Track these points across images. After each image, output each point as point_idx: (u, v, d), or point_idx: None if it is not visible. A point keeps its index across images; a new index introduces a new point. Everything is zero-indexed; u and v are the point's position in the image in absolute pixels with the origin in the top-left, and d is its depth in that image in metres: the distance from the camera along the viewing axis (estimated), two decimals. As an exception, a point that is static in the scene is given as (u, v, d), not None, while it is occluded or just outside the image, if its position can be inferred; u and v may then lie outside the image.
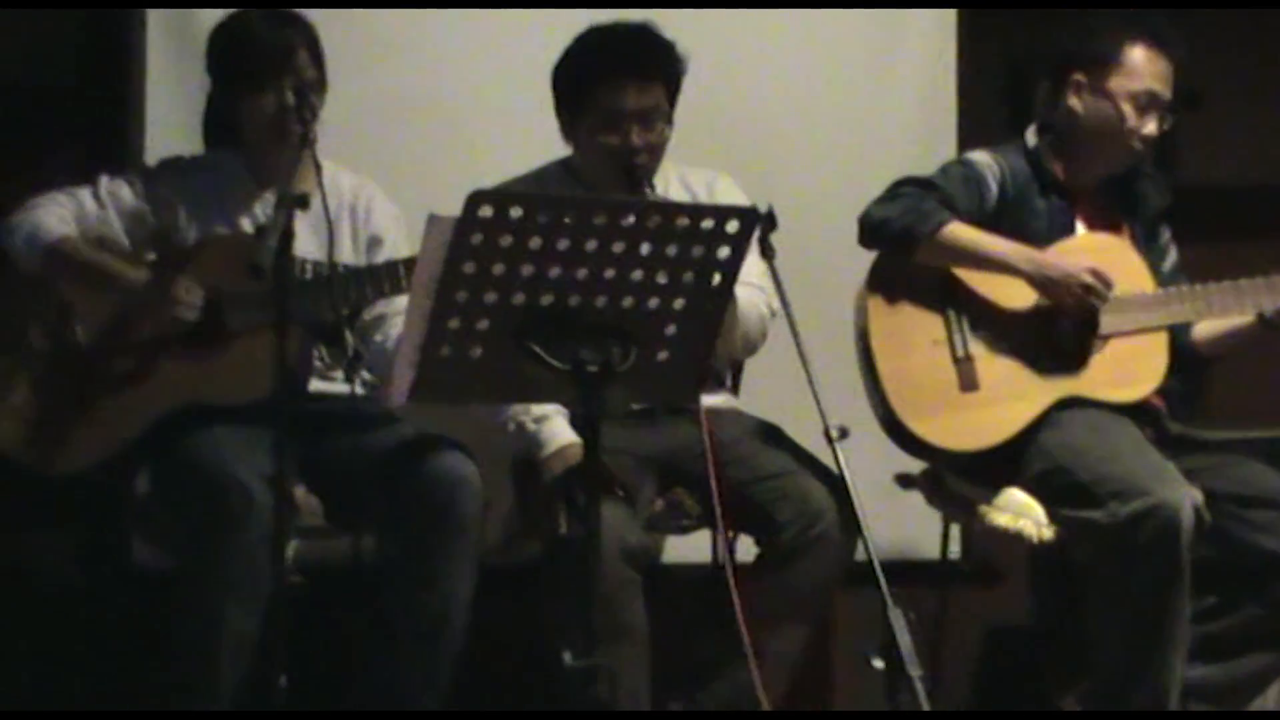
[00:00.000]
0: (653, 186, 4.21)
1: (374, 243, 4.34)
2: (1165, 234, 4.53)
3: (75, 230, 4.14)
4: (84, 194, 4.20)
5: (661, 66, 4.26)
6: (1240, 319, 4.35)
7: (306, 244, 4.10)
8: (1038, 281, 4.25)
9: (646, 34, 4.27)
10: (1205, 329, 4.43)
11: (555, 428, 4.17)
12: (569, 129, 4.31)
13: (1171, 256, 4.50)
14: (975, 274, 4.32)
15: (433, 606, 3.98)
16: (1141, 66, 4.31)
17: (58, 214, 4.14)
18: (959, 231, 4.25)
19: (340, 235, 4.27)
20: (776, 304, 4.03)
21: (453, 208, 3.14)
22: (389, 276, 4.07)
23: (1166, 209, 4.52)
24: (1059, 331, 4.30)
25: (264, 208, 4.23)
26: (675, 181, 4.38)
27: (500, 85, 5.09)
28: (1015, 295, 4.31)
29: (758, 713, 4.07)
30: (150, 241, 4.23)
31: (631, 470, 4.18)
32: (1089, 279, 4.21)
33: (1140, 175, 4.49)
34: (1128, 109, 4.31)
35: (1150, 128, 4.32)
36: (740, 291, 4.15)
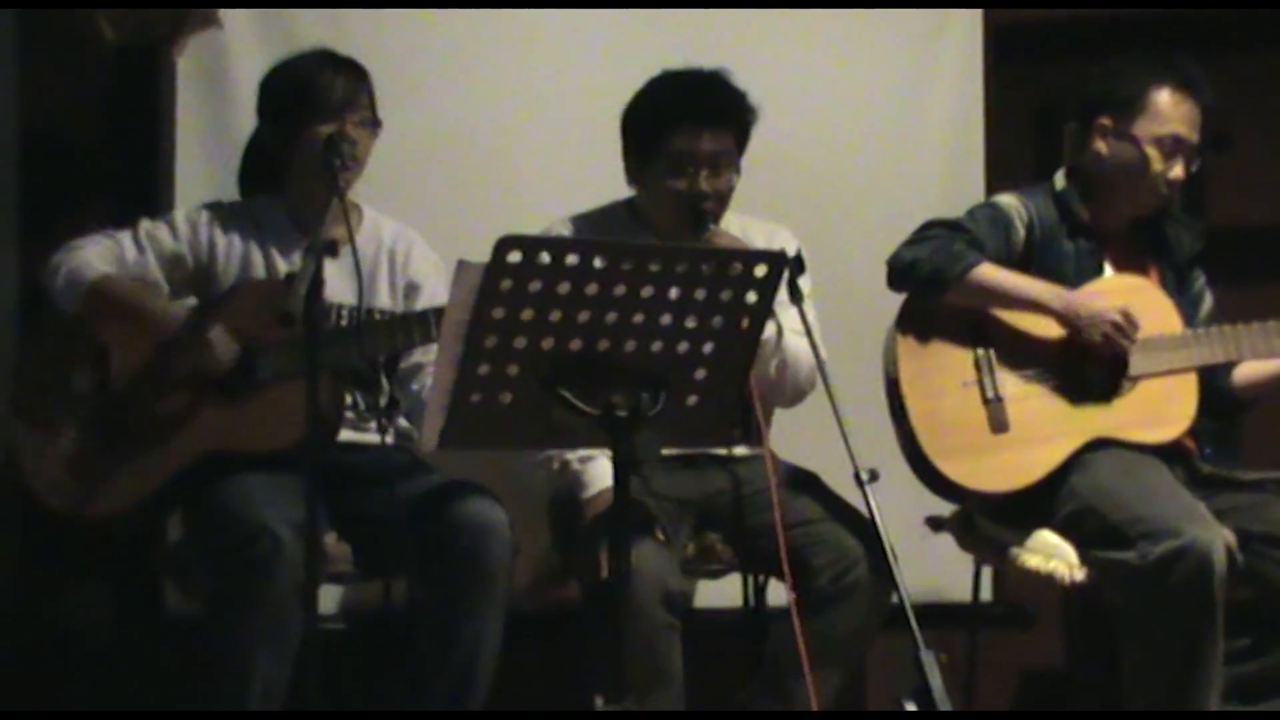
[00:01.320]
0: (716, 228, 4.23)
1: (412, 289, 4.35)
2: (1199, 280, 4.52)
3: (116, 269, 4.16)
4: (124, 237, 4.22)
5: (735, 114, 4.29)
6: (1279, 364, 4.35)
7: (340, 290, 4.11)
8: (1068, 320, 4.25)
9: (721, 81, 4.30)
10: (1244, 373, 4.42)
11: (599, 469, 4.15)
12: (636, 171, 4.33)
13: (1206, 303, 4.49)
14: (1005, 314, 4.32)
15: (459, 654, 3.97)
16: (1167, 110, 4.30)
17: (99, 253, 4.15)
18: (988, 272, 4.26)
19: (378, 281, 4.30)
20: (824, 353, 4.03)
21: (485, 251, 3.14)
22: (420, 325, 4.07)
23: (1198, 254, 4.51)
24: (1089, 372, 4.29)
25: (297, 257, 4.24)
26: (736, 229, 4.38)
27: (538, 126, 5.12)
28: (1045, 336, 4.31)
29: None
30: (188, 286, 4.24)
31: (671, 514, 4.17)
32: (1118, 319, 4.21)
33: (1171, 219, 4.48)
34: (1152, 152, 4.31)
35: (1176, 171, 4.32)
36: (795, 341, 4.16)
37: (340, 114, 4.17)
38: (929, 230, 4.34)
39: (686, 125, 4.22)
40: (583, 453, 4.18)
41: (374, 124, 4.24)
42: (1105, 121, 4.36)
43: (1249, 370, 4.42)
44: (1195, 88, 4.32)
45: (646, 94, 4.33)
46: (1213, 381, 4.37)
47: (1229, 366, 4.41)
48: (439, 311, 4.01)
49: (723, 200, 4.28)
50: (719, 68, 4.31)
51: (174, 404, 4.11)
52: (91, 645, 4.96)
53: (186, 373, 4.09)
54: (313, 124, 4.17)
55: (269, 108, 4.29)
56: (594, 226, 4.35)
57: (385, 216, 4.39)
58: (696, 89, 4.28)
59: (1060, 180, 4.46)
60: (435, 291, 4.32)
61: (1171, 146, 4.30)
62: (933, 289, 4.27)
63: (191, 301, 4.24)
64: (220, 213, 4.31)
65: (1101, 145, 4.37)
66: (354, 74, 4.25)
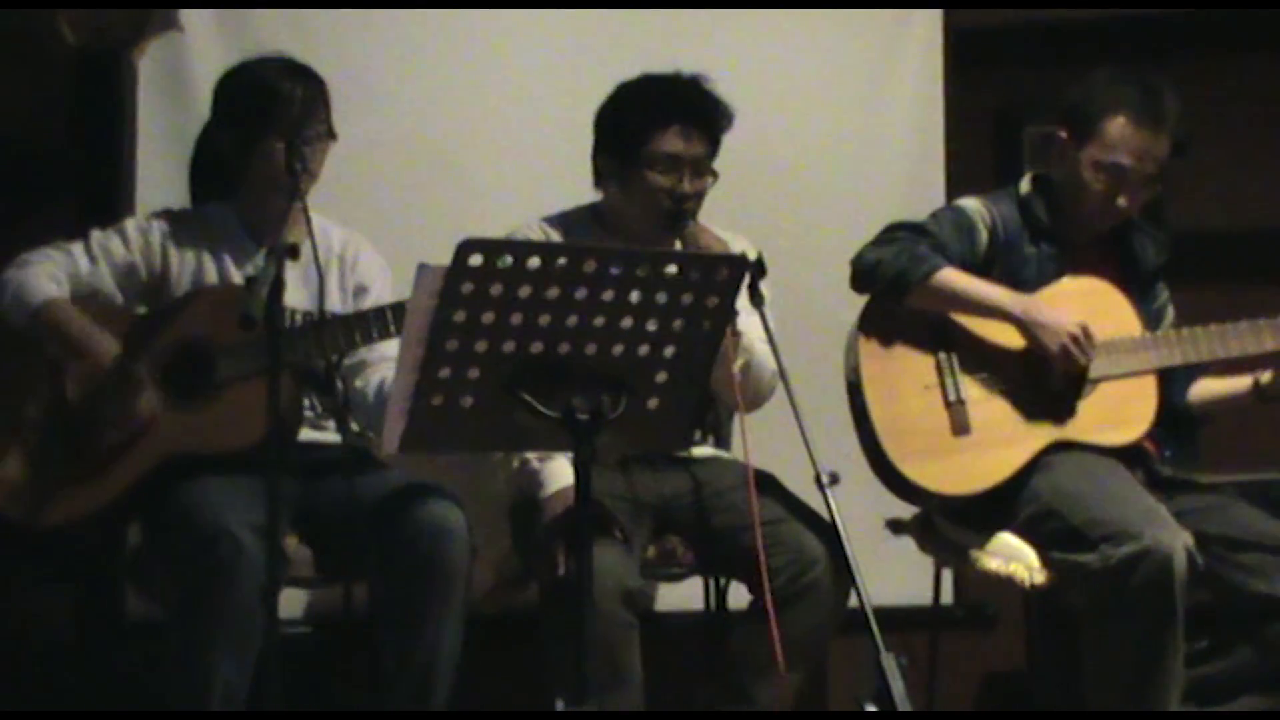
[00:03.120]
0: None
1: (360, 290, 4.36)
2: (1163, 293, 4.53)
3: (65, 290, 4.13)
4: (77, 249, 4.19)
5: (717, 120, 4.32)
6: (1235, 385, 4.39)
7: (296, 294, 4.11)
8: (1027, 328, 4.26)
9: (705, 86, 4.33)
10: (1201, 391, 4.46)
11: (558, 468, 4.16)
12: (614, 170, 4.33)
13: (1168, 318, 4.50)
14: (967, 318, 4.33)
15: (419, 655, 3.96)
16: (1115, 140, 4.28)
17: (48, 272, 4.12)
18: (951, 277, 4.27)
19: (330, 285, 4.29)
20: (783, 356, 4.04)
21: (446, 254, 3.14)
22: (377, 322, 4.07)
23: (1163, 265, 4.52)
24: (1050, 375, 4.30)
25: (258, 261, 4.23)
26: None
27: (498, 129, 5.12)
28: (1007, 339, 4.31)
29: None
30: (141, 295, 4.23)
31: (629, 515, 4.18)
32: (1077, 331, 4.22)
33: (1136, 229, 4.49)
34: (1090, 176, 4.30)
35: (1120, 201, 4.31)
36: (759, 347, 4.17)
37: (301, 126, 4.16)
38: (894, 232, 4.35)
39: (675, 126, 4.25)
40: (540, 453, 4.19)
41: (330, 135, 4.24)
42: (1063, 135, 4.37)
43: (1205, 389, 4.45)
44: (1155, 119, 4.27)
45: (629, 94, 4.34)
46: (1169, 398, 4.38)
47: (1185, 383, 4.44)
48: (395, 308, 4.02)
49: (699, 202, 4.30)
50: (699, 73, 4.33)
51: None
52: (51, 649, 4.94)
53: (112, 420, 4.07)
54: (273, 135, 4.15)
55: (228, 114, 4.27)
56: (556, 229, 4.36)
57: (332, 223, 4.39)
58: (684, 92, 4.31)
59: (1025, 184, 4.47)
60: (381, 293, 4.34)
61: (1113, 175, 4.29)
62: (895, 291, 4.28)
63: (142, 312, 4.22)
64: (172, 221, 4.30)
65: (1057, 158, 4.39)
66: (314, 85, 4.24)
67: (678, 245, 4.23)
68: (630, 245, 4.22)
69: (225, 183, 4.31)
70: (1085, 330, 4.23)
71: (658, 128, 4.26)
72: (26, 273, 4.12)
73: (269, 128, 4.16)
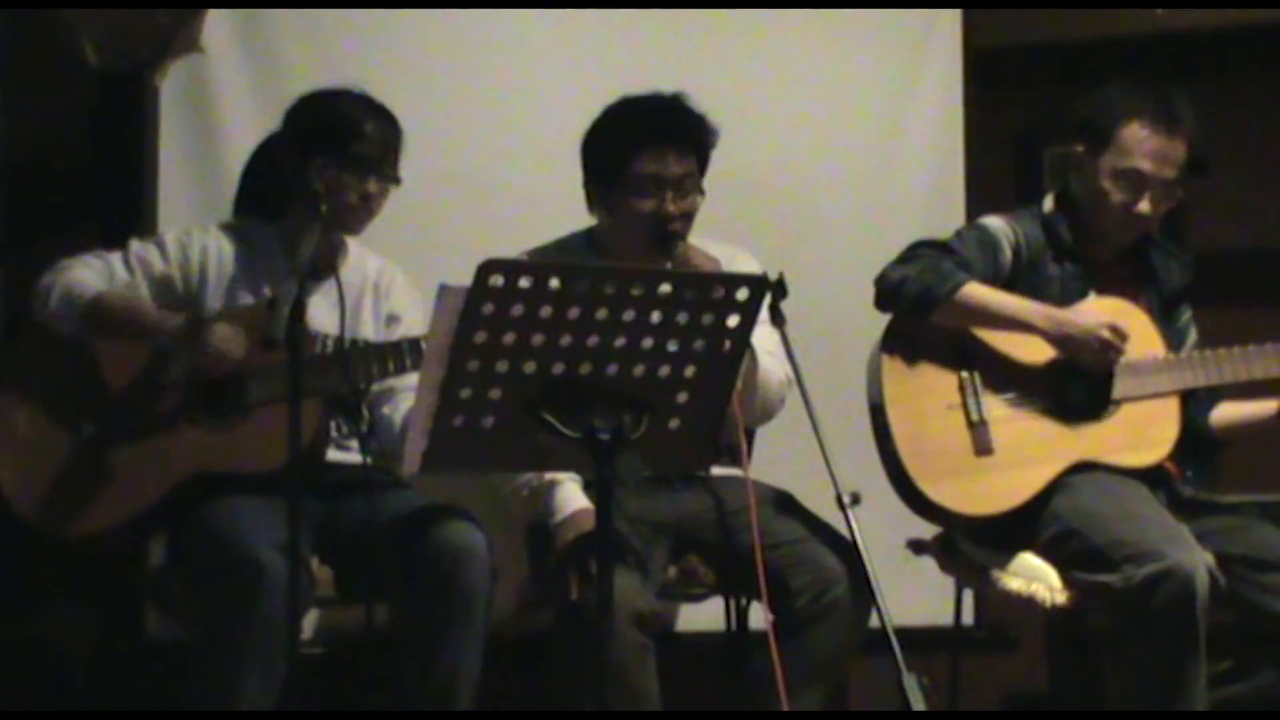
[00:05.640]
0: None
1: (392, 320, 4.37)
2: (1186, 314, 4.52)
3: (109, 287, 4.14)
4: (114, 259, 4.20)
5: (697, 136, 4.31)
6: (1260, 409, 4.37)
7: (326, 320, 4.12)
8: (1056, 338, 4.25)
9: (682, 104, 4.32)
10: (1223, 415, 4.44)
11: (566, 494, 4.17)
12: (599, 197, 4.34)
13: (1191, 338, 4.49)
14: (990, 337, 4.33)
15: (439, 676, 3.97)
16: (1130, 145, 4.28)
17: (91, 273, 4.14)
18: (977, 292, 4.26)
19: (363, 312, 4.32)
20: (791, 372, 4.05)
21: (467, 275, 3.15)
22: (410, 353, 4.08)
23: (1187, 287, 4.52)
24: (1073, 395, 4.30)
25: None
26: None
27: (518, 151, 5.13)
28: (1030, 359, 4.31)
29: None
30: (174, 308, 4.22)
31: (644, 537, 4.18)
32: (1107, 334, 4.22)
33: (1160, 249, 4.48)
34: (1109, 185, 4.29)
35: (1142, 206, 4.30)
36: (765, 360, 4.17)
37: (370, 172, 4.19)
38: (917, 250, 4.34)
39: (651, 148, 4.24)
40: (548, 479, 4.19)
41: (395, 180, 4.26)
42: (1079, 149, 4.38)
43: (1226, 412, 4.45)
44: (1170, 122, 4.27)
45: (608, 119, 4.34)
46: (1192, 422, 4.37)
47: (1207, 406, 4.44)
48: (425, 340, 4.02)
49: (688, 221, 4.28)
50: (678, 91, 4.33)
51: (160, 427, 4.11)
52: (72, 668, 4.95)
53: (187, 370, 4.08)
54: (343, 174, 4.17)
55: (302, 141, 4.22)
56: (551, 257, 4.35)
57: (370, 251, 4.39)
58: (659, 112, 4.30)
59: (1048, 204, 4.47)
60: (412, 324, 4.35)
61: (1133, 181, 4.29)
62: (921, 308, 4.27)
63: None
64: (212, 236, 4.29)
65: (1075, 174, 4.39)
66: (393, 128, 4.26)
67: (669, 266, 4.22)
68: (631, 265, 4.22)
69: (272, 202, 4.31)
70: (1114, 329, 4.22)
71: (634, 151, 4.24)
72: (69, 275, 4.13)
73: (341, 165, 4.17)
